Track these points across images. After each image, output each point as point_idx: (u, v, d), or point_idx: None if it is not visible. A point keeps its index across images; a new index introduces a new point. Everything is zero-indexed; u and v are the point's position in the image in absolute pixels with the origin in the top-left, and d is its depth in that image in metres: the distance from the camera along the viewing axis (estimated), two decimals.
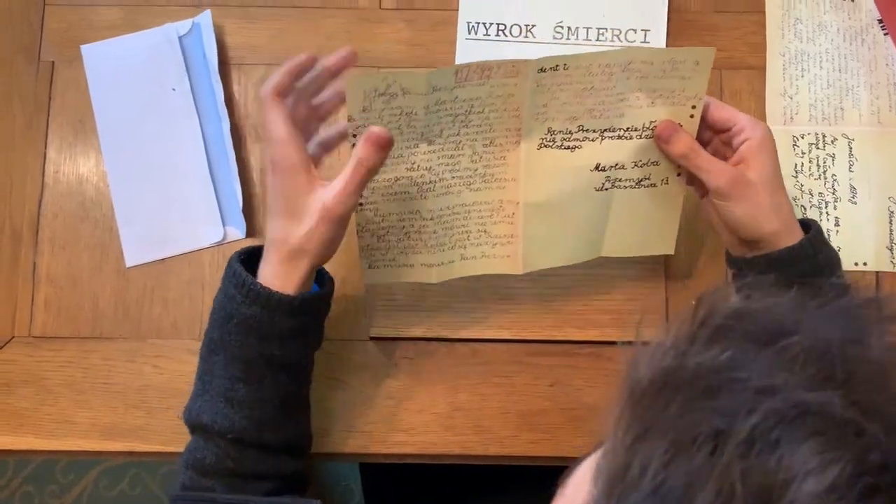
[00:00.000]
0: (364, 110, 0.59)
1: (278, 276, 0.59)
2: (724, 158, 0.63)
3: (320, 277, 0.64)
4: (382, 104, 0.59)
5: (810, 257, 0.61)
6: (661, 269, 0.74)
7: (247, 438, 0.60)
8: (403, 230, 0.65)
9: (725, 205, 0.61)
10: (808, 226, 0.63)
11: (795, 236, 0.61)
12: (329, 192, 0.58)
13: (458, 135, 0.62)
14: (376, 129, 0.57)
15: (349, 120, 0.59)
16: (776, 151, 0.62)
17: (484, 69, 0.58)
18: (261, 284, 0.59)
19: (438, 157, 0.62)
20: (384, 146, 0.57)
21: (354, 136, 0.59)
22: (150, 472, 1.39)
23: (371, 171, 0.58)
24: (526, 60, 0.58)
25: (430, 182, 0.63)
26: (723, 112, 0.62)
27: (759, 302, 0.38)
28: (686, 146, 0.61)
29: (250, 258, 0.62)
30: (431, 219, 0.64)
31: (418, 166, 0.63)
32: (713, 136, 0.64)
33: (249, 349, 0.60)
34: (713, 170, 0.61)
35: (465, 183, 0.64)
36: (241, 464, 0.61)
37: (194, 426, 0.62)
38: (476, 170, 0.63)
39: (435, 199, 0.64)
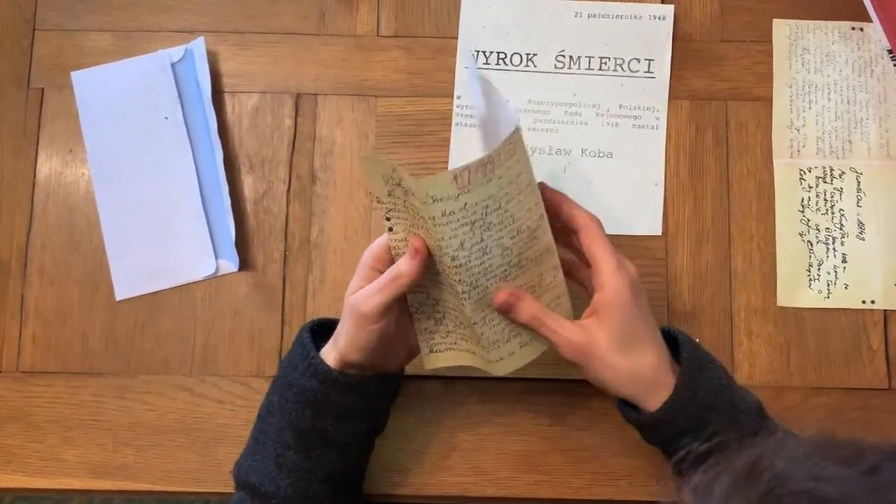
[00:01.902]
0: (390, 194, 0.57)
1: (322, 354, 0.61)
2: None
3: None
4: (402, 195, 0.56)
5: (669, 422, 0.58)
6: (665, 305, 0.72)
7: None
8: (458, 319, 0.61)
9: (578, 368, 0.59)
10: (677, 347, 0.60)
11: (662, 393, 0.58)
12: (361, 291, 0.58)
13: (481, 241, 0.56)
14: (416, 244, 0.56)
15: (377, 201, 0.58)
16: (635, 302, 0.58)
17: (486, 164, 0.53)
18: (321, 360, 0.59)
19: (466, 270, 0.56)
20: (414, 256, 0.57)
21: (388, 219, 0.58)
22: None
23: (405, 283, 0.57)
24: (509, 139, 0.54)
25: (465, 292, 0.58)
26: (593, 244, 0.59)
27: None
28: (528, 315, 0.58)
29: (321, 329, 0.63)
30: (475, 323, 0.59)
31: (448, 276, 0.58)
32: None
33: (304, 421, 0.60)
34: (558, 339, 0.58)
35: (500, 277, 0.58)
36: None
37: (243, 484, 0.62)
38: (510, 261, 0.58)
39: (473, 306, 0.59)
